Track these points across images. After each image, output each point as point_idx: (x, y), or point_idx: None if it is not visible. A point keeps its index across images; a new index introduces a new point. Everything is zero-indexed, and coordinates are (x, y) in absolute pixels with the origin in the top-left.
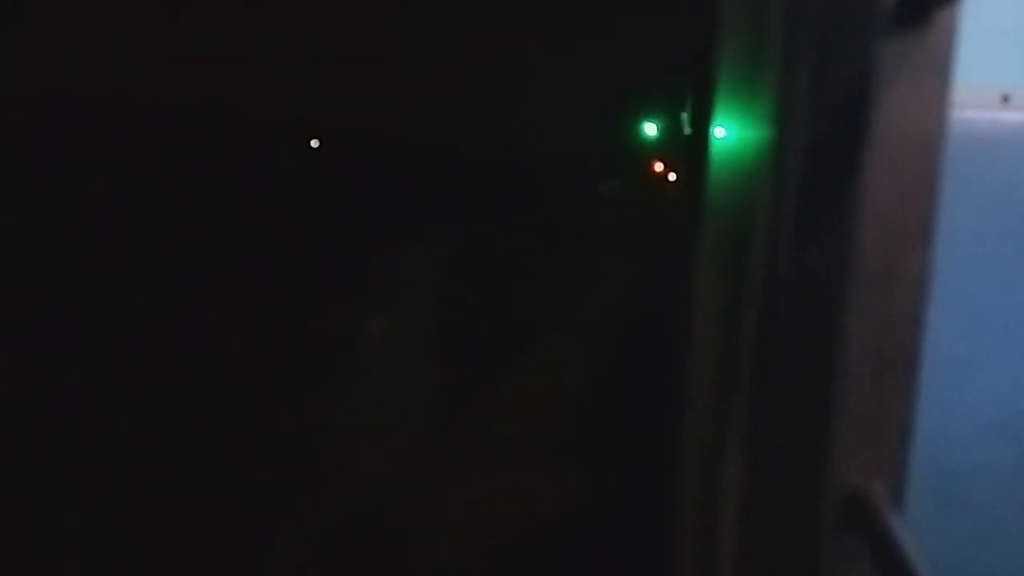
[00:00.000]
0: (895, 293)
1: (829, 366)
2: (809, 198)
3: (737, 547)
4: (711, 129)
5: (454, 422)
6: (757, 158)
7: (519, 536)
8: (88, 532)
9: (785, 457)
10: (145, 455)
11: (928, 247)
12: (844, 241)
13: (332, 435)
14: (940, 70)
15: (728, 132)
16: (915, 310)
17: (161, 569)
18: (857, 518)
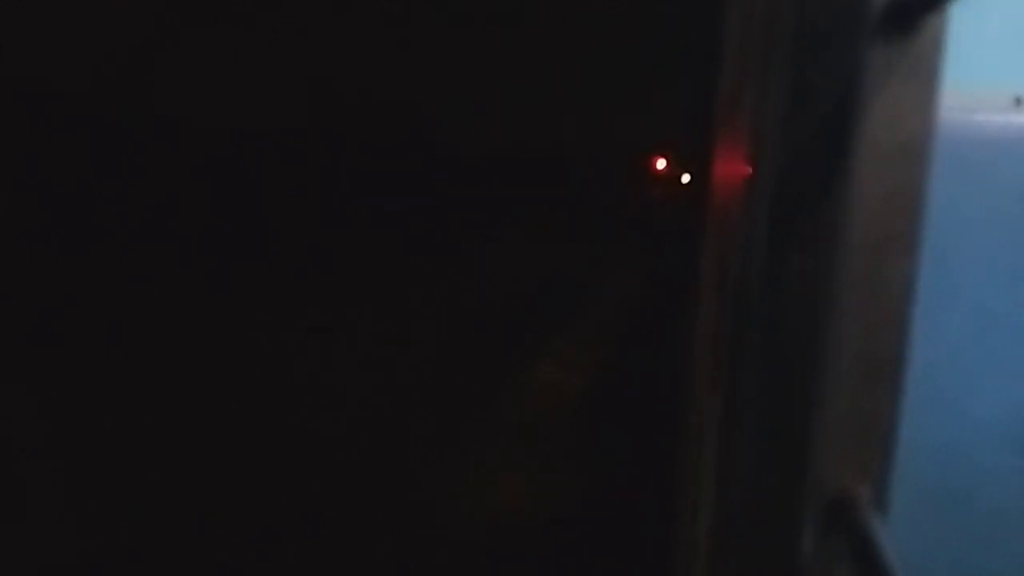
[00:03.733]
0: (881, 297)
1: (815, 369)
2: (797, 202)
3: (720, 548)
4: (713, 135)
5: (463, 417)
6: (745, 162)
7: (524, 524)
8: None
9: (769, 459)
10: (160, 450)
11: (915, 252)
12: (831, 245)
13: (341, 424)
14: (928, 76)
15: (720, 138)
16: (901, 314)
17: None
18: (840, 521)
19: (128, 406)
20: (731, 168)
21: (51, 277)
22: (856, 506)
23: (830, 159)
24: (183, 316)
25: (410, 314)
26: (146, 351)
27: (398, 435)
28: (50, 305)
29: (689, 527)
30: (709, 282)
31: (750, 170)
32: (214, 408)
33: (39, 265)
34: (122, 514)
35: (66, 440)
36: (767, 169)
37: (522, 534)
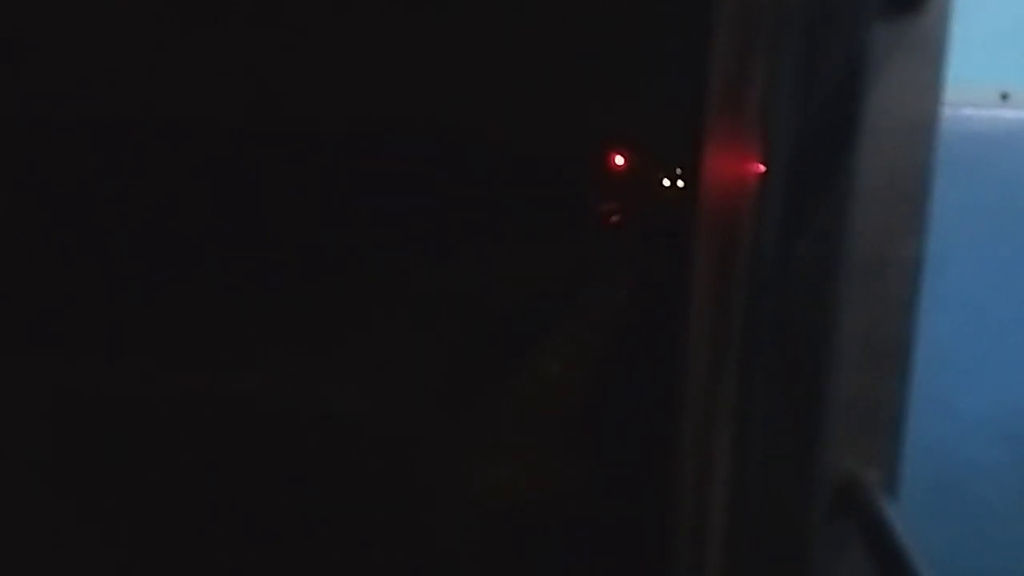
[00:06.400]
0: (887, 281)
1: (821, 354)
2: (801, 185)
3: (730, 532)
4: (706, 122)
5: (463, 409)
6: (749, 145)
7: (524, 512)
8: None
9: (778, 444)
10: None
11: (921, 234)
12: (836, 228)
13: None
14: (933, 56)
15: (721, 123)
16: (907, 297)
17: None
18: (850, 504)
19: (130, 404)
20: (728, 155)
21: (51, 277)
22: (866, 490)
23: (835, 140)
24: (187, 313)
25: (409, 311)
26: (151, 346)
27: (399, 430)
28: (51, 305)
29: (697, 514)
30: (705, 269)
31: (752, 156)
32: (218, 403)
33: (38, 265)
34: (126, 516)
35: (65, 438)
36: (775, 153)
37: (523, 524)
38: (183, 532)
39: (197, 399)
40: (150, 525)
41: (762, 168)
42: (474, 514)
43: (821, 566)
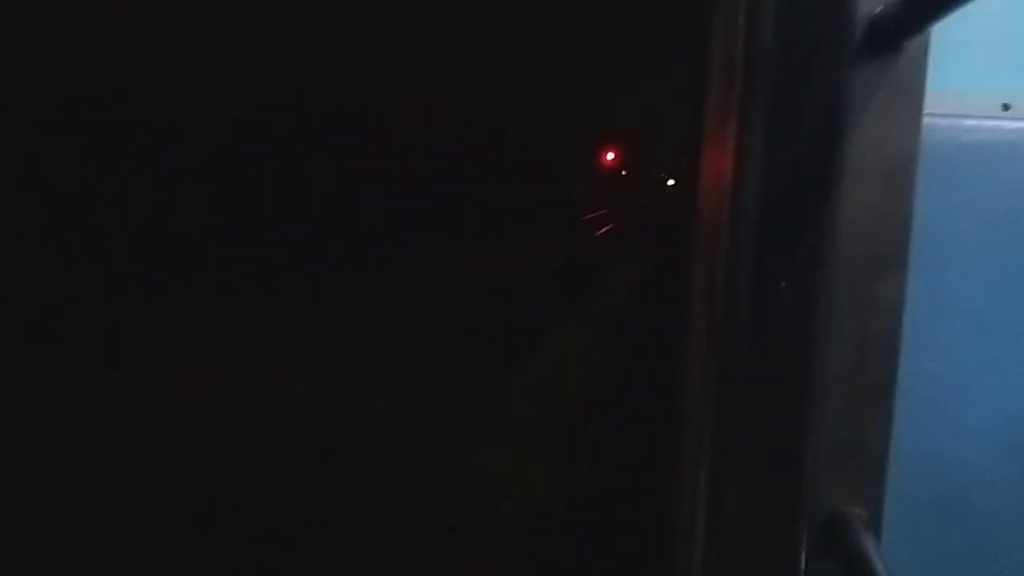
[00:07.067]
0: (871, 318)
1: (806, 390)
2: (784, 224)
3: (714, 569)
4: (705, 126)
5: (464, 410)
6: (732, 179)
7: (524, 512)
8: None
9: (763, 480)
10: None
11: (903, 272)
12: (819, 267)
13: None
14: (911, 97)
15: (708, 150)
16: (891, 334)
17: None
18: (834, 541)
19: (132, 404)
20: (719, 182)
21: (51, 276)
22: (850, 527)
23: (817, 180)
24: (186, 316)
25: (409, 313)
26: (153, 346)
27: (400, 431)
28: (51, 305)
29: (683, 546)
30: (698, 297)
31: (736, 189)
32: (221, 404)
33: (39, 264)
34: (128, 518)
35: (66, 440)
36: (755, 189)
37: (523, 524)
38: (184, 531)
39: (197, 401)
40: (153, 526)
41: (742, 202)
42: (475, 514)
43: None
